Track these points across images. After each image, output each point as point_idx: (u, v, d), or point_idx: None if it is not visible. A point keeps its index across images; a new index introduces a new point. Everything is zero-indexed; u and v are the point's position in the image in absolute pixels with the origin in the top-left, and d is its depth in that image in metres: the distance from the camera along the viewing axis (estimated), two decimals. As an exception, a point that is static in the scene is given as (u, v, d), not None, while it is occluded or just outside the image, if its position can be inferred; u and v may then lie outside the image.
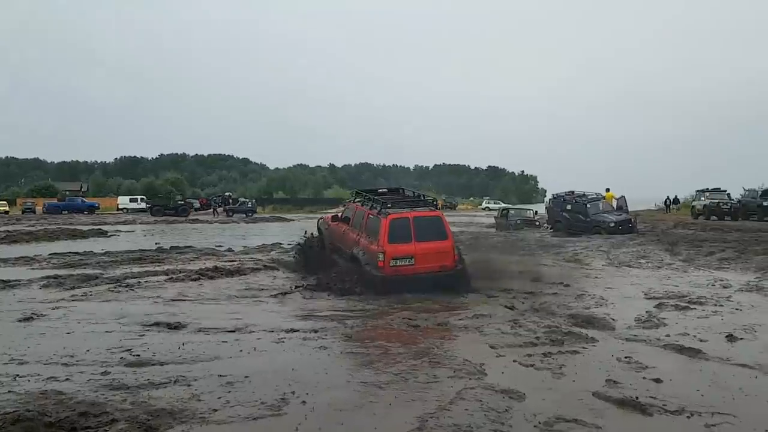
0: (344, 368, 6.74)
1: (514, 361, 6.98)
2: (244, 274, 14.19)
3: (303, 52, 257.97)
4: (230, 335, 8.28)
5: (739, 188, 42.49)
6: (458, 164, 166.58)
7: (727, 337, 7.98)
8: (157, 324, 8.94)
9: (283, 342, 7.87)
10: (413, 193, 14.23)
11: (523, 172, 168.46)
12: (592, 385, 6.02)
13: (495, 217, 37.96)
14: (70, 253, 19.31)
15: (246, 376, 6.23)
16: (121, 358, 6.99)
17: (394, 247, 11.68)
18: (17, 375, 6.25)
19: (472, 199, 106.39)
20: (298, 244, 15.96)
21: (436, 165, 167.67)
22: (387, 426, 4.98)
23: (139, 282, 12.95)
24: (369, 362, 6.91)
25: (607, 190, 31.35)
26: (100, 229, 32.10)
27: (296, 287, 12.42)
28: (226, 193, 67.85)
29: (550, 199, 34.29)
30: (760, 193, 37.26)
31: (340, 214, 14.64)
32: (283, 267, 15.40)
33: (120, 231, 33.25)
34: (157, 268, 15.24)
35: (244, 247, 22.73)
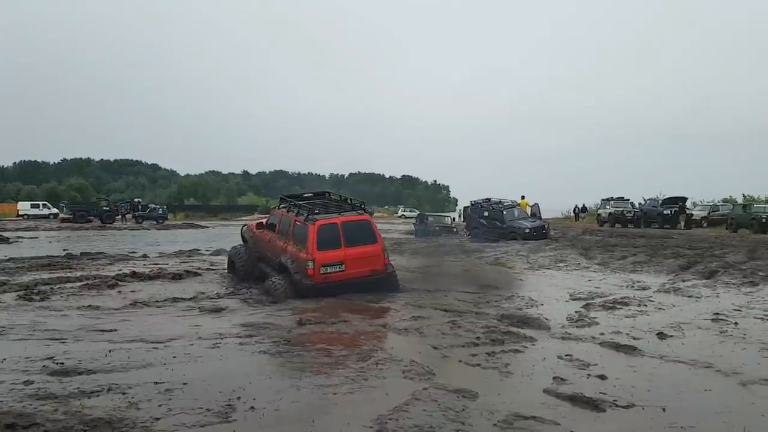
0: (289, 372, 6.47)
1: (460, 361, 6.95)
2: (166, 280, 13.57)
3: (214, 56, 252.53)
4: (160, 342, 7.84)
5: (636, 197, 44.75)
6: (373, 173, 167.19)
7: (657, 335, 8.23)
8: (78, 331, 8.41)
9: (218, 347, 7.52)
10: (339, 197, 13.95)
11: (435, 181, 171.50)
12: (541, 383, 6.05)
13: (413, 223, 38.34)
14: (-32, 259, 17.95)
15: (184, 383, 5.88)
16: (44, 366, 6.46)
17: (324, 254, 11.46)
18: (-75, 388, 5.65)
19: (387, 207, 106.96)
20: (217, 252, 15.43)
21: (351, 173, 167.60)
22: (345, 429, 4.78)
23: (52, 288, 12.14)
24: (314, 366, 6.69)
25: (522, 197, 32.25)
26: (0, 235, 30.10)
27: (224, 294, 12.01)
28: (135, 199, 65.11)
29: (466, 207, 34.91)
30: (660, 202, 39.30)
31: (265, 221, 14.18)
32: (206, 274, 14.84)
33: (22, 237, 31.35)
34: (70, 275, 14.32)
35: (160, 253, 21.87)
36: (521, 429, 4.77)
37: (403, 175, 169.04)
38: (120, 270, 15.45)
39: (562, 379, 6.16)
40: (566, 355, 7.13)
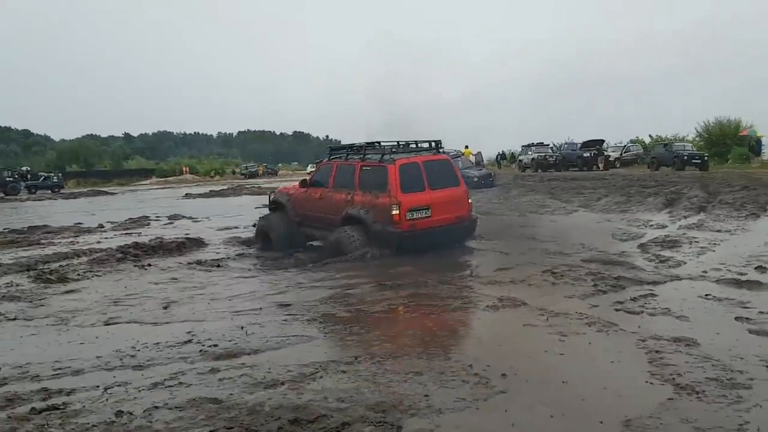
0: (477, 332, 6.21)
1: (618, 309, 6.72)
2: (172, 250, 12.44)
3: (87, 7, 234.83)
4: (275, 310, 7.31)
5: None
6: (264, 130, 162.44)
7: (756, 269, 8.42)
8: (167, 309, 7.62)
9: (363, 312, 6.95)
10: (397, 143, 11.86)
11: (327, 136, 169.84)
12: (731, 325, 6.01)
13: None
14: None
15: (394, 356, 5.36)
16: (201, 351, 5.70)
17: (408, 197, 10.32)
18: (104, 386, 4.81)
19: (296, 163, 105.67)
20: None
21: (240, 132, 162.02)
22: (634, 392, 4.49)
23: (61, 266, 10.85)
24: (484, 324, 6.36)
25: (466, 147, 32.50)
26: None
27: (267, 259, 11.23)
28: (23, 168, 60.03)
29: None
30: (579, 146, 40.98)
31: (309, 178, 12.70)
32: (210, 241, 13.88)
33: None
34: (56, 251, 12.85)
35: (111, 222, 19.93)
36: (805, 372, 4.68)
37: (295, 131, 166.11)
38: (99, 242, 14.25)
39: (746, 319, 6.15)
40: (706, 295, 7.14)
